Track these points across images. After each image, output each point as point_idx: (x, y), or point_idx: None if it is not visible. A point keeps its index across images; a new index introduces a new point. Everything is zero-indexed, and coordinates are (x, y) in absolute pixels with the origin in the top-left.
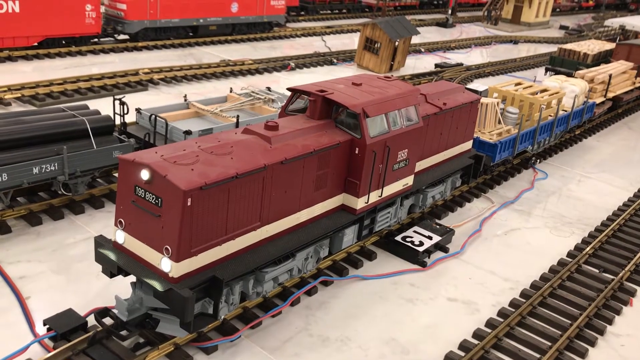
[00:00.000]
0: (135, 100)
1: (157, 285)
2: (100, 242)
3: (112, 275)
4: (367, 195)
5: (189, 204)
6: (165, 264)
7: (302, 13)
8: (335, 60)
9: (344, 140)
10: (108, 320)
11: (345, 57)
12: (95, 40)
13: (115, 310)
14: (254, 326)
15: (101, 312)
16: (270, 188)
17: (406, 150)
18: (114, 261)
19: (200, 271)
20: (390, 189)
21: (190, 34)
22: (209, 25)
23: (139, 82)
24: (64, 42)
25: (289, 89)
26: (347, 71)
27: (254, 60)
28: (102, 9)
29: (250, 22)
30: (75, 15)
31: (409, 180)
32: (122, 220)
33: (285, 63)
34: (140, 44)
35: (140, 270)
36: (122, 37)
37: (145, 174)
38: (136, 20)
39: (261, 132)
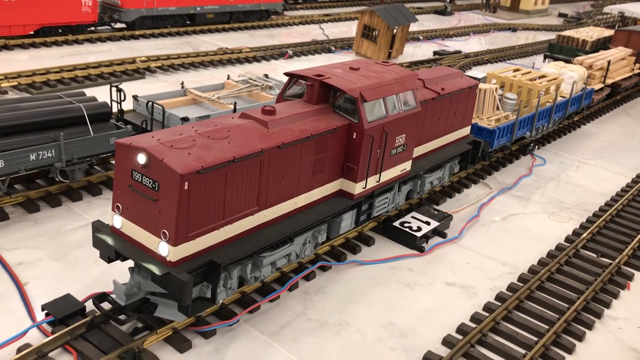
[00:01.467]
0: (133, 89)
1: (155, 269)
2: (98, 227)
3: (109, 260)
4: (365, 181)
5: (186, 187)
6: (163, 248)
7: (300, 1)
8: (333, 48)
9: (341, 124)
10: (106, 305)
11: (344, 45)
12: (92, 28)
13: (113, 295)
14: (253, 311)
15: (99, 297)
16: (267, 172)
17: (404, 135)
18: (111, 246)
19: (198, 255)
20: (388, 174)
21: (188, 22)
22: (206, 14)
23: (136, 71)
24: (60, 30)
25: (286, 74)
26: (345, 59)
27: (252, 48)
28: None
29: (248, 10)
30: (72, 3)
31: (407, 166)
32: (120, 205)
33: (283, 51)
34: (137, 33)
35: (138, 254)
36: (118, 25)
37: (142, 158)
38: (133, 8)
39: (258, 117)
